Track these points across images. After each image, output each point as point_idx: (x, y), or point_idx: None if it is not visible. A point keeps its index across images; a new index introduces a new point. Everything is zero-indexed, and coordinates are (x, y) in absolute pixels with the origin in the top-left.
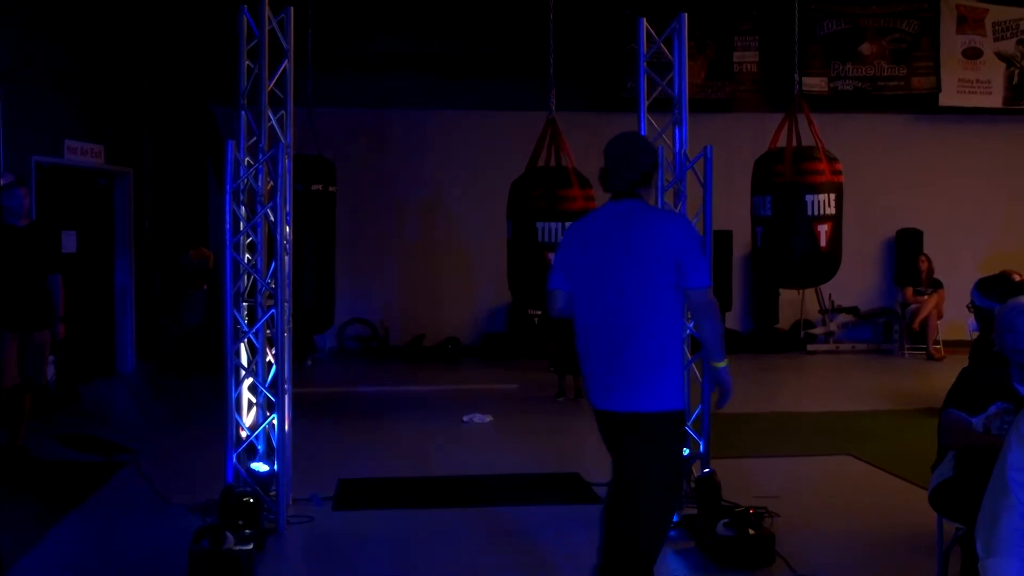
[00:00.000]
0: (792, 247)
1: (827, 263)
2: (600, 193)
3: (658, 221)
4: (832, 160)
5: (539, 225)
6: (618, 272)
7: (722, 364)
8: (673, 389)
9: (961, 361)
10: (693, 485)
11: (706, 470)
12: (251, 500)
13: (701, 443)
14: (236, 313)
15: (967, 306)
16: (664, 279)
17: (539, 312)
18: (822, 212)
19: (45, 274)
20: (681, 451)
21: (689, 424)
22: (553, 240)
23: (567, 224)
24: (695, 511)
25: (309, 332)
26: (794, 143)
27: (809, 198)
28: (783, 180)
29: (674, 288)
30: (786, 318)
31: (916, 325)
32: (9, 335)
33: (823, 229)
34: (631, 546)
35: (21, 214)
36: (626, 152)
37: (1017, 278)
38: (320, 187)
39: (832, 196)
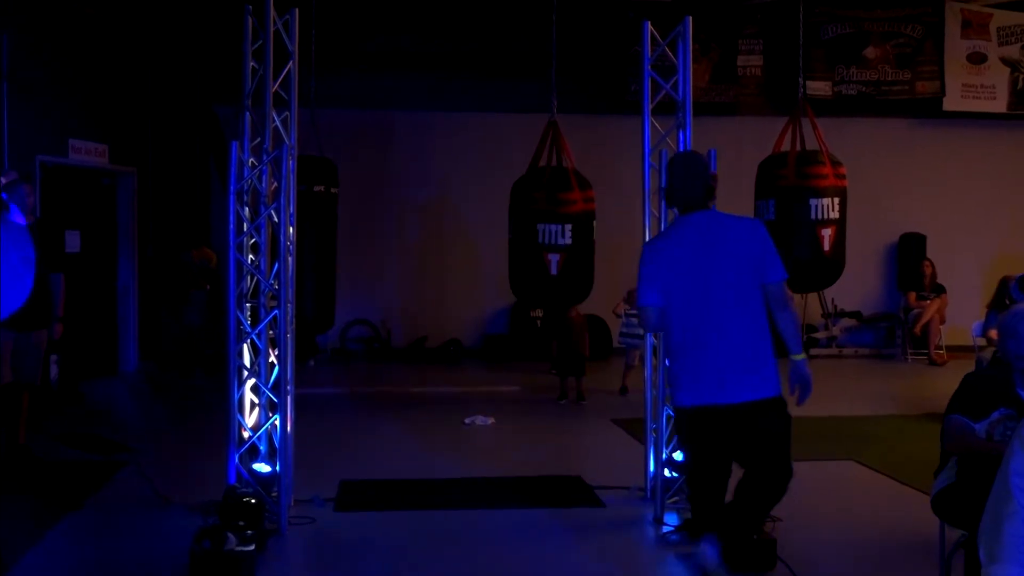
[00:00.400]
0: (795, 251)
1: (830, 267)
2: (600, 194)
3: (738, 225)
4: (836, 164)
5: (540, 227)
6: (717, 278)
7: (800, 357)
8: (776, 375)
9: (964, 366)
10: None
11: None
12: (253, 501)
13: None
14: (239, 314)
15: (1006, 299)
16: (755, 278)
17: (541, 314)
18: (826, 216)
19: (46, 273)
20: None
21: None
22: (553, 242)
23: (567, 226)
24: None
25: (309, 333)
26: (798, 147)
27: (813, 202)
28: (787, 184)
29: (759, 285)
30: None
31: (918, 330)
32: (4, 333)
33: (827, 233)
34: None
35: (26, 211)
36: (692, 171)
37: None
38: (322, 188)
39: (836, 200)
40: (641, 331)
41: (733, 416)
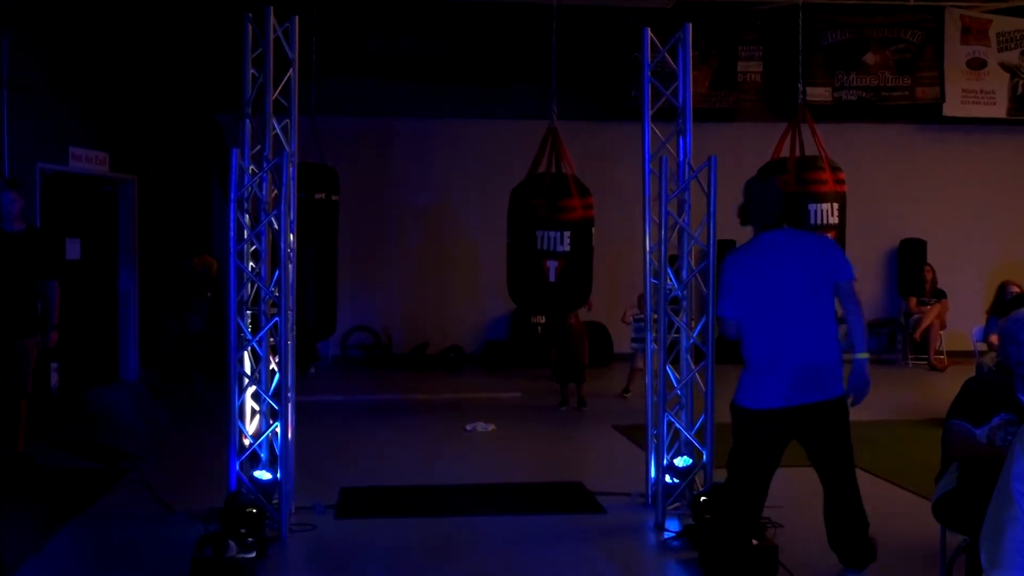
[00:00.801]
0: None
1: None
2: (600, 201)
3: (810, 240)
4: (835, 169)
5: (538, 233)
6: (792, 290)
7: (863, 356)
8: (842, 377)
9: (964, 371)
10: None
11: (707, 481)
12: (254, 508)
13: (704, 453)
14: (240, 321)
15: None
16: (826, 286)
17: (542, 320)
18: (825, 221)
19: (39, 280)
20: None
21: (692, 433)
22: (552, 248)
23: (566, 233)
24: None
25: (310, 340)
26: (797, 152)
27: (812, 207)
28: (786, 189)
29: (830, 294)
30: None
31: (918, 335)
32: None
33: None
34: (854, 488)
35: (12, 218)
36: (767, 194)
37: (1016, 289)
38: (323, 196)
39: (835, 205)
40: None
41: (802, 415)
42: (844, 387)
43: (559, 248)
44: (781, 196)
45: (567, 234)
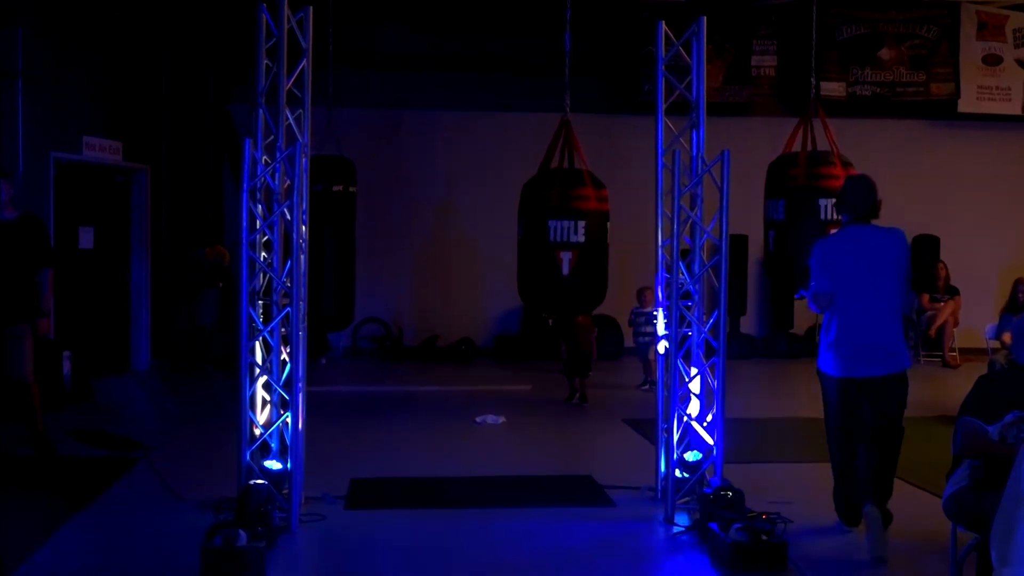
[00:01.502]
0: (805, 251)
1: None
2: (612, 194)
3: (889, 235)
4: (847, 165)
5: (551, 223)
6: (869, 277)
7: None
8: (906, 353)
9: (977, 369)
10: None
11: (717, 476)
12: (264, 498)
13: (715, 448)
14: (251, 311)
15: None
16: (901, 275)
17: (552, 315)
18: (836, 217)
19: (33, 268)
20: None
21: (703, 428)
22: (565, 239)
23: (580, 223)
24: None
25: (328, 331)
26: (809, 147)
27: (822, 202)
28: (796, 184)
29: (899, 281)
30: (801, 323)
31: (932, 332)
32: None
33: None
34: (893, 458)
35: (3, 206)
36: (864, 192)
37: None
38: (341, 187)
39: None
40: (650, 329)
41: (869, 385)
42: (909, 363)
43: (573, 238)
44: (872, 195)
45: (581, 224)
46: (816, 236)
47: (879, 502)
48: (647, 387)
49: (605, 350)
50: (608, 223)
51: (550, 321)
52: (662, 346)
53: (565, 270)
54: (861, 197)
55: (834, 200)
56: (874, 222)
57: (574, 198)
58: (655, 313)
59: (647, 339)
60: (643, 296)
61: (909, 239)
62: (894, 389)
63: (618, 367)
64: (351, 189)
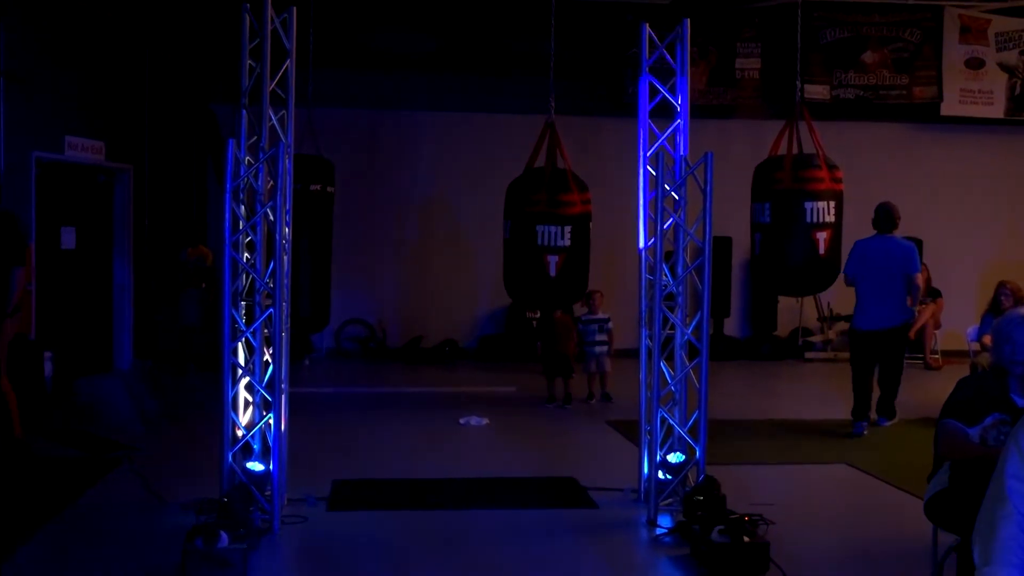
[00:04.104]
0: (791, 254)
1: (825, 270)
2: (596, 196)
3: (900, 244)
4: (832, 168)
5: (539, 228)
6: (884, 271)
7: (911, 307)
8: (904, 314)
9: (959, 371)
10: (689, 490)
11: (700, 478)
12: (246, 499)
13: (697, 449)
14: (234, 312)
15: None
16: (902, 274)
17: (536, 315)
18: (821, 220)
19: (5, 267)
20: None
21: (685, 430)
22: (552, 243)
23: (566, 228)
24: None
25: (304, 332)
26: (795, 150)
27: (808, 205)
28: (782, 187)
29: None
30: (784, 325)
31: (912, 334)
32: None
33: (822, 237)
34: (895, 386)
35: None
36: (887, 214)
37: (1010, 286)
38: (319, 187)
39: (832, 204)
40: (603, 337)
41: (880, 335)
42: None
43: (560, 243)
44: (892, 216)
45: (567, 228)
46: (802, 239)
47: (887, 397)
48: (594, 400)
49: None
50: (591, 224)
51: (534, 322)
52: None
53: (552, 272)
54: (886, 218)
55: (819, 203)
56: (896, 233)
57: (561, 204)
58: (608, 318)
59: (601, 348)
60: (592, 300)
61: None
62: (895, 337)
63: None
64: (328, 189)
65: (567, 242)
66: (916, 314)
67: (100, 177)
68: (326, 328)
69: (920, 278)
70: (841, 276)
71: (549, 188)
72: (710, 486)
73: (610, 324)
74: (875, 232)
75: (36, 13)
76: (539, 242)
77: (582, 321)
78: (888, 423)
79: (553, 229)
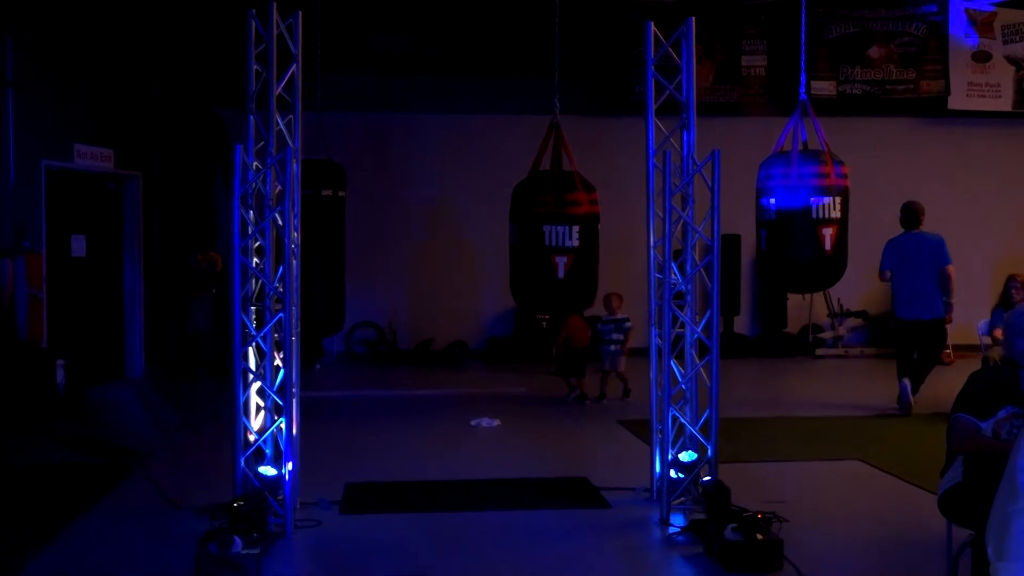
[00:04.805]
0: (796, 250)
1: (832, 267)
2: (603, 196)
3: (930, 238)
4: (838, 163)
5: (546, 228)
6: (915, 264)
7: (946, 300)
8: (941, 308)
9: (971, 365)
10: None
11: (708, 476)
12: (259, 504)
13: (709, 447)
14: (244, 317)
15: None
16: (934, 264)
17: (546, 317)
18: (827, 216)
19: None
20: None
21: (697, 428)
22: (560, 244)
23: (574, 228)
24: (703, 515)
25: (319, 336)
26: (800, 146)
27: (814, 201)
28: (787, 183)
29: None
30: (795, 322)
31: None
32: None
33: (828, 233)
34: (924, 374)
35: None
36: (913, 213)
37: (1020, 280)
38: (330, 192)
39: (838, 200)
40: (619, 336)
41: (918, 324)
42: (943, 313)
43: (568, 243)
44: (917, 214)
45: (575, 228)
46: (808, 235)
47: (916, 382)
48: (605, 399)
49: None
50: (599, 225)
51: (544, 323)
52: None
53: (560, 274)
54: (910, 215)
55: (826, 199)
56: (922, 228)
57: (568, 203)
58: (626, 318)
59: (615, 347)
60: (610, 303)
61: None
62: (931, 329)
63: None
64: (340, 193)
65: (575, 242)
66: (951, 307)
67: (109, 184)
68: (339, 331)
69: (951, 269)
70: (847, 271)
71: (555, 188)
72: (723, 484)
73: (629, 324)
74: (903, 230)
75: (44, 23)
76: (546, 243)
77: (601, 321)
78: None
79: (561, 229)
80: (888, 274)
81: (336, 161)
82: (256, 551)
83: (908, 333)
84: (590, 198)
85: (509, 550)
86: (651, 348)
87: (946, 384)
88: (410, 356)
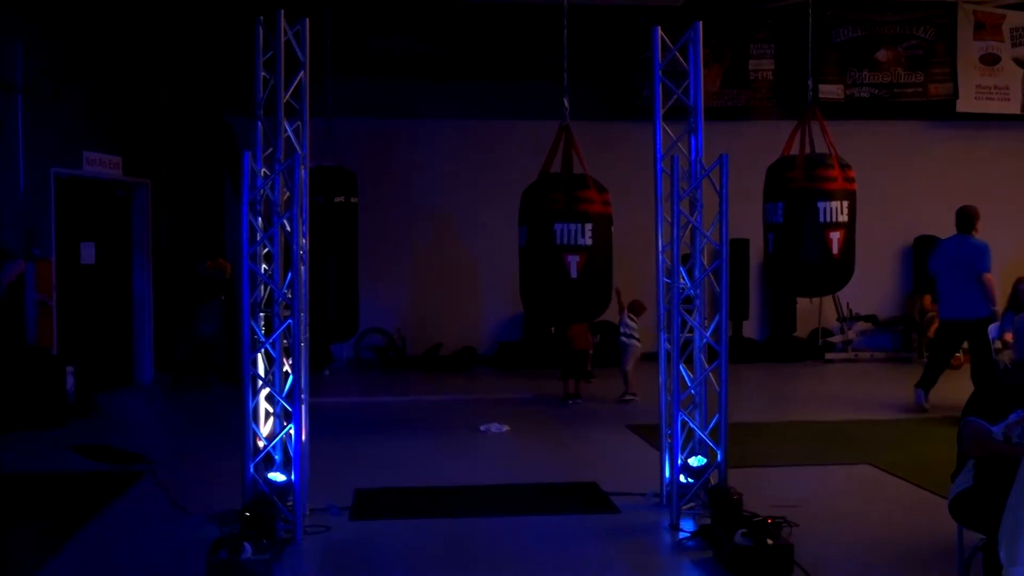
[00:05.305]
0: (804, 254)
1: (840, 270)
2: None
3: (972, 244)
4: (845, 167)
5: (557, 226)
6: (959, 266)
7: (988, 307)
8: (982, 307)
9: None
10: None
11: (718, 481)
12: (268, 510)
13: (719, 452)
14: (253, 323)
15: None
16: (971, 271)
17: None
18: (834, 219)
19: None
20: None
21: (706, 432)
22: (572, 242)
23: (587, 225)
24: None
25: (332, 341)
26: (807, 150)
27: (821, 205)
28: (795, 187)
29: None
30: (804, 326)
31: (931, 332)
32: None
33: (835, 236)
34: (985, 364)
35: None
36: (964, 215)
37: None
38: (342, 198)
39: (845, 203)
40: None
41: (958, 324)
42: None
43: (580, 241)
44: (970, 219)
45: (588, 227)
46: (815, 239)
47: (974, 380)
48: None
49: (604, 357)
50: (612, 227)
51: (553, 329)
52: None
53: (573, 273)
54: (962, 219)
55: (832, 202)
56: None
57: (580, 200)
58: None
59: (631, 341)
60: (634, 306)
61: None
62: (972, 330)
63: (618, 374)
64: (352, 200)
65: (588, 241)
66: (995, 314)
67: (118, 192)
68: (352, 337)
69: (988, 277)
70: (856, 275)
71: (566, 187)
72: (733, 489)
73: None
74: (958, 231)
75: (53, 30)
76: (558, 241)
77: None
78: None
79: (573, 227)
80: (933, 274)
81: (346, 168)
82: (266, 557)
83: (949, 333)
84: (603, 198)
85: (518, 556)
86: (660, 353)
87: (957, 388)
88: (419, 362)
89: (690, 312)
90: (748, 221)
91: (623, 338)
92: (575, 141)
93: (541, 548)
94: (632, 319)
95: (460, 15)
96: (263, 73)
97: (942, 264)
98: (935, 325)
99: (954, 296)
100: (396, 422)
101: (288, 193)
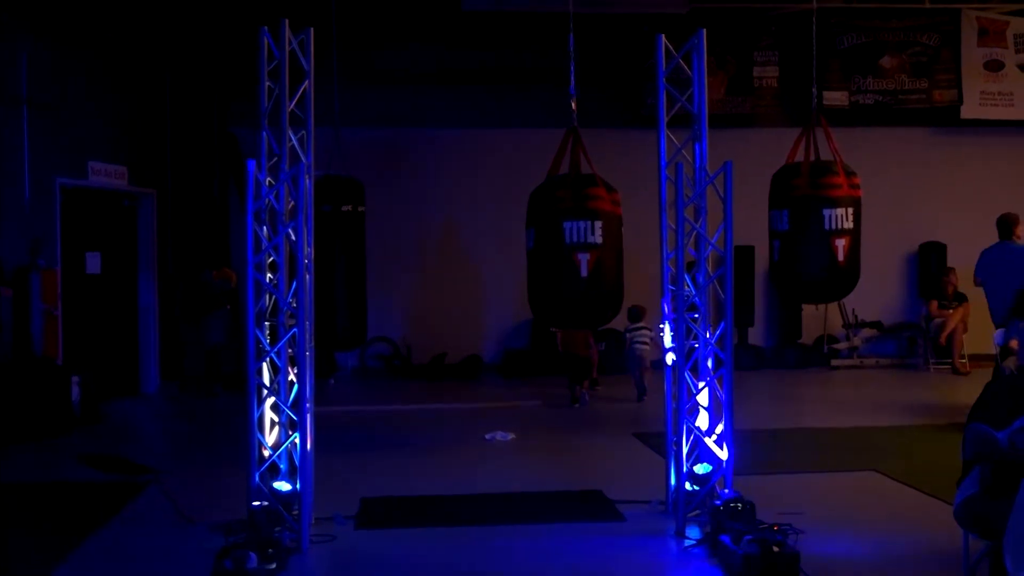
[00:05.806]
0: (809, 261)
1: (845, 277)
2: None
3: (1015, 250)
4: (850, 174)
5: (566, 225)
6: (1001, 272)
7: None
8: None
9: (987, 375)
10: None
11: (724, 489)
12: (274, 520)
13: (725, 460)
14: (258, 332)
15: None
16: (1018, 272)
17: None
18: (840, 226)
19: None
20: None
21: (712, 440)
22: (582, 240)
23: (597, 223)
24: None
25: (341, 350)
26: (812, 157)
27: (826, 212)
28: (800, 194)
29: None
30: (810, 333)
31: (943, 339)
32: None
33: (841, 243)
34: None
35: None
36: (1006, 224)
37: None
38: (350, 207)
39: (850, 210)
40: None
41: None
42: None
43: (590, 239)
44: (1010, 226)
45: (598, 224)
46: (820, 246)
47: None
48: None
49: (609, 364)
50: (622, 228)
51: (558, 335)
52: (669, 357)
53: (584, 272)
54: (1002, 226)
55: (837, 209)
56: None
57: (588, 197)
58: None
59: (642, 347)
60: (635, 314)
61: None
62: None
63: (622, 380)
64: (360, 209)
65: (598, 239)
66: None
67: (124, 202)
68: (361, 345)
69: None
70: (861, 282)
71: (575, 185)
72: (738, 496)
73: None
74: (1000, 239)
75: (58, 41)
76: (567, 240)
77: (628, 330)
78: None
79: (582, 224)
80: (979, 280)
81: (354, 177)
82: (271, 567)
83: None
84: (612, 197)
85: (524, 564)
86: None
87: (962, 394)
88: (424, 370)
89: (695, 319)
90: (753, 228)
91: (636, 345)
92: (583, 143)
93: (546, 556)
94: (644, 326)
95: (465, 23)
96: (268, 82)
97: (987, 272)
98: (946, 330)
99: (1001, 303)
100: (401, 431)
101: (293, 202)
